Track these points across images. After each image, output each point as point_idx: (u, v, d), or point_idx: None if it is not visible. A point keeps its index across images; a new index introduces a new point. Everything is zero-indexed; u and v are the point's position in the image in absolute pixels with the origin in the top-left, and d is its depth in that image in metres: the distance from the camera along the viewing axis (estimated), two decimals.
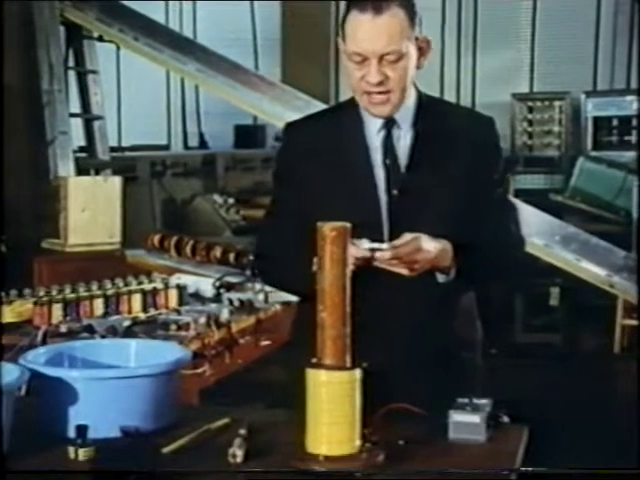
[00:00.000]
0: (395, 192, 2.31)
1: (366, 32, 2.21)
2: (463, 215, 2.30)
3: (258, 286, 4.24)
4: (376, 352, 2.09)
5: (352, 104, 2.37)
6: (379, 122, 2.34)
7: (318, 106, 6.64)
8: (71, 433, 1.98)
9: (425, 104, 2.38)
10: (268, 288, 4.18)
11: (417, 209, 2.30)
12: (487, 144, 2.40)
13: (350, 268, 1.99)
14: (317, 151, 2.38)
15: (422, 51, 2.30)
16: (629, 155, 8.28)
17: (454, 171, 2.32)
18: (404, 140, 2.34)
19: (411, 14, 2.24)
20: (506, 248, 2.39)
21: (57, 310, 3.67)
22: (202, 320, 3.65)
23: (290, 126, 2.51)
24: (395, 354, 2.28)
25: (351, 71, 2.28)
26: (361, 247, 2.10)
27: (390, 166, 2.33)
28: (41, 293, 3.86)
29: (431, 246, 2.17)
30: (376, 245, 2.13)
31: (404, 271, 2.16)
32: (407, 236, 2.16)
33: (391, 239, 2.23)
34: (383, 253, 2.13)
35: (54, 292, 3.88)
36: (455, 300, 2.41)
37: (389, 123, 2.33)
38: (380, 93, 2.26)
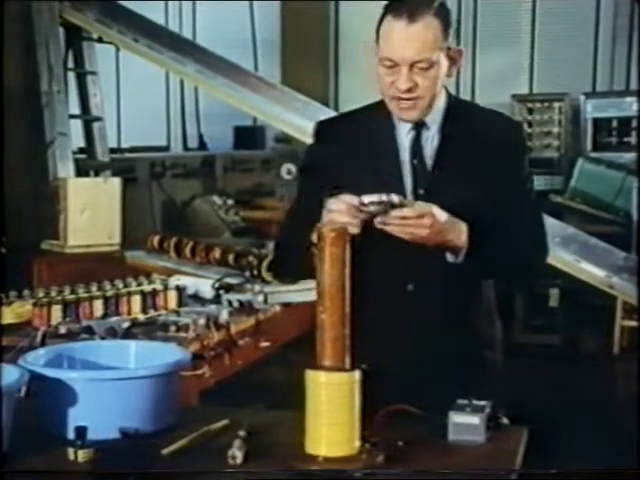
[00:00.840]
0: (422, 192, 2.33)
1: (399, 39, 2.23)
2: (488, 216, 2.30)
3: (257, 287, 4.24)
4: (393, 352, 2.11)
5: (384, 105, 2.38)
6: (409, 124, 2.36)
7: (318, 107, 6.66)
8: (70, 434, 1.98)
9: (454, 106, 2.40)
10: (267, 289, 4.18)
11: (443, 209, 2.30)
12: (513, 147, 2.42)
13: (354, 222, 2.04)
14: (348, 149, 2.40)
15: (453, 61, 2.31)
16: (629, 156, 8.29)
17: (480, 173, 2.34)
18: (432, 141, 2.37)
19: (445, 24, 2.26)
20: (525, 248, 2.38)
21: (56, 311, 3.66)
22: (201, 321, 3.65)
23: (322, 124, 2.53)
24: (416, 353, 2.29)
25: (382, 76, 2.30)
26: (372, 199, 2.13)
27: (417, 166, 2.35)
28: (40, 294, 3.85)
29: (443, 216, 2.19)
30: (385, 197, 2.14)
31: (407, 236, 2.16)
32: (420, 203, 2.20)
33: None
34: (395, 211, 2.14)
35: (53, 293, 3.88)
36: (476, 300, 2.42)
37: (419, 125, 2.36)
38: (408, 99, 2.28)
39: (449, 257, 2.27)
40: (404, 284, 2.33)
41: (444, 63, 2.28)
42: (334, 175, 2.37)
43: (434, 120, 2.36)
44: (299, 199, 2.53)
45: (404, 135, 2.37)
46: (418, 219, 2.16)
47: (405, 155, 2.36)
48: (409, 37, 2.22)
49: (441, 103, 2.37)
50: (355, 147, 2.39)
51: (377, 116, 2.40)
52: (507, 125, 2.47)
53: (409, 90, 2.26)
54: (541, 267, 2.53)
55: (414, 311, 2.32)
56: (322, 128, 2.52)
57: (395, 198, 2.12)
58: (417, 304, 2.32)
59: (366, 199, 2.11)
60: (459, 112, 2.39)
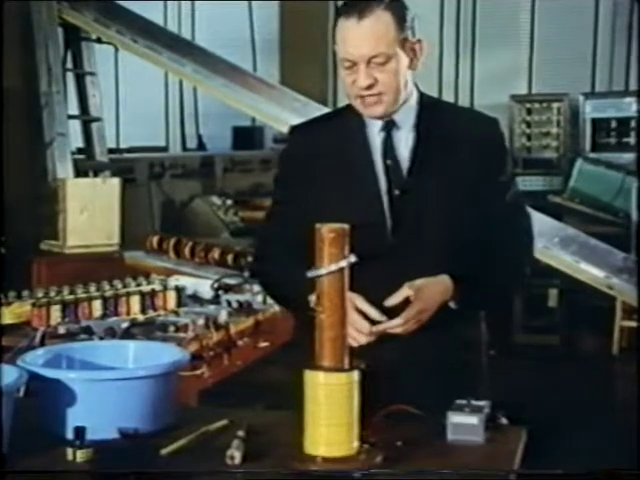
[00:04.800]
0: (397, 192, 2.32)
1: (352, 37, 2.25)
2: (467, 217, 2.30)
3: (256, 287, 4.24)
4: (381, 353, 2.09)
5: (355, 107, 2.37)
6: (379, 124, 2.35)
7: (316, 107, 6.65)
8: (69, 434, 1.98)
9: (427, 106, 2.38)
10: None
11: (419, 210, 2.30)
12: (491, 145, 2.39)
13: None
14: (321, 153, 2.39)
15: (415, 53, 2.30)
16: (627, 157, 8.29)
17: (457, 172, 2.31)
18: (406, 141, 2.35)
19: (399, 16, 2.25)
20: (512, 258, 2.38)
21: (55, 312, 3.66)
22: (200, 322, 3.65)
23: (295, 129, 2.53)
24: (400, 355, 2.27)
25: (344, 77, 2.31)
26: (369, 330, 2.16)
27: (391, 167, 2.33)
28: (39, 294, 3.86)
29: (432, 293, 2.21)
30: (383, 325, 2.16)
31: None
32: (404, 292, 2.19)
33: (393, 240, 2.26)
34: (395, 329, 2.18)
35: (52, 293, 3.88)
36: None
37: (389, 124, 2.34)
38: (371, 95, 2.28)
39: (451, 304, 2.26)
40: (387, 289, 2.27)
41: (403, 56, 2.27)
42: (310, 181, 2.37)
43: (406, 119, 2.35)
44: (276, 212, 2.48)
45: (375, 136, 2.35)
46: (418, 318, 2.19)
47: (377, 156, 2.34)
48: (361, 34, 2.23)
49: (413, 102, 2.36)
50: (328, 151, 2.38)
51: (349, 118, 2.38)
52: (484, 124, 2.44)
53: (370, 87, 2.26)
54: (522, 275, 2.49)
55: (393, 314, 2.29)
56: (295, 133, 2.51)
57: (394, 322, 2.17)
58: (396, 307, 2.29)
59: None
60: (434, 111, 2.38)
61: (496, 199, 2.36)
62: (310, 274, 1.93)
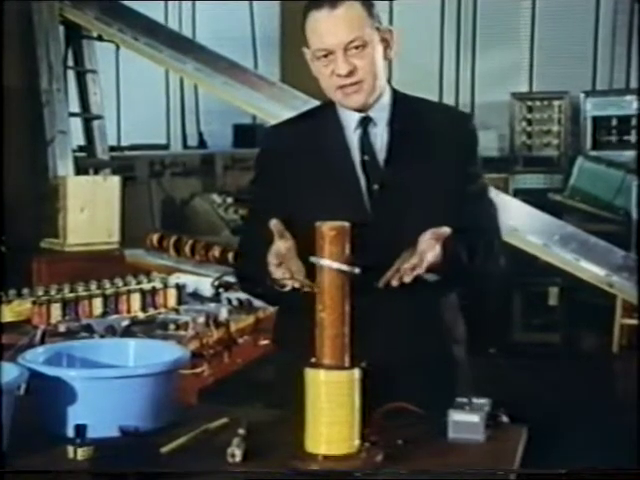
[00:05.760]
0: (375, 187, 2.33)
1: (326, 26, 2.25)
2: (444, 209, 2.30)
3: None
4: (365, 351, 2.09)
5: (329, 105, 2.40)
6: (355, 120, 2.36)
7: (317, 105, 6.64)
8: (70, 432, 1.98)
9: (400, 101, 2.40)
10: None
11: (398, 203, 2.31)
12: (462, 139, 2.41)
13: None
14: (297, 153, 2.39)
15: (387, 42, 2.32)
16: (628, 155, 8.29)
17: (431, 166, 2.33)
18: (382, 137, 2.36)
19: (367, 5, 2.29)
20: (477, 247, 2.36)
21: (56, 310, 3.67)
22: (201, 320, 3.65)
23: (270, 130, 2.56)
24: (382, 353, 2.26)
25: (320, 70, 2.32)
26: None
27: (369, 162, 2.34)
28: (40, 293, 3.86)
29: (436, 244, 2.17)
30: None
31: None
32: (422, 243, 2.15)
33: (375, 234, 2.23)
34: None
35: (53, 292, 3.88)
36: (439, 297, 2.40)
37: (365, 121, 2.36)
38: (352, 84, 2.29)
39: (429, 277, 2.21)
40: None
41: (378, 43, 2.29)
42: (288, 180, 2.36)
43: (380, 115, 2.36)
44: (255, 212, 2.47)
45: (351, 133, 2.36)
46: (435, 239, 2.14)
47: (355, 153, 2.35)
48: (335, 22, 2.24)
49: (386, 98, 2.37)
50: (305, 150, 2.38)
51: (324, 117, 2.40)
52: (456, 119, 2.47)
53: (350, 74, 2.27)
54: (488, 264, 2.47)
55: (378, 309, 2.27)
56: (271, 134, 2.53)
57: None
58: (382, 302, 2.26)
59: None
60: (407, 106, 2.39)
61: (466, 190, 2.37)
62: (313, 260, 1.94)
